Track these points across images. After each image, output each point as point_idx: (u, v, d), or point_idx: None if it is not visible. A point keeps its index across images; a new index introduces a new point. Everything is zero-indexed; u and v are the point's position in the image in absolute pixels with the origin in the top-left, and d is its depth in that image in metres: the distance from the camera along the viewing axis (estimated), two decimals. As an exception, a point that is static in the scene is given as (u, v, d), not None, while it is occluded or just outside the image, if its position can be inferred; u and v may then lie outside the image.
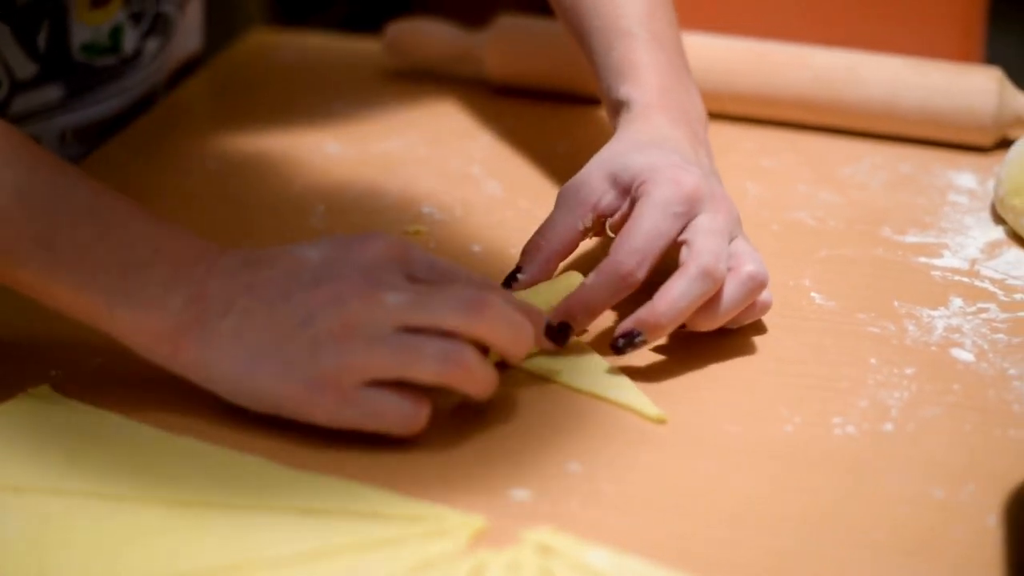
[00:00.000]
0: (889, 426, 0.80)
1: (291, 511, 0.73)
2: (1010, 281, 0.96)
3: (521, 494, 0.74)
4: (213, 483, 0.75)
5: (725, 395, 0.83)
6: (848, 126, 1.16)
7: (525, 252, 0.88)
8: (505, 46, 1.21)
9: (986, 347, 0.88)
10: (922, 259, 0.98)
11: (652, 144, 0.89)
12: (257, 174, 1.09)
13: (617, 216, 0.88)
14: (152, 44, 1.13)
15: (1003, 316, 0.91)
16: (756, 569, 0.70)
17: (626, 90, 0.94)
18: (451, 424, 0.79)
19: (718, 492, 0.75)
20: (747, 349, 0.87)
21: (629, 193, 0.87)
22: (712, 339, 0.86)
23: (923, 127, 1.14)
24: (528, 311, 0.80)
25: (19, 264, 0.77)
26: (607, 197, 0.88)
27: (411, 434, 0.76)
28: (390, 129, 1.17)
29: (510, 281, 0.87)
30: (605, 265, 0.83)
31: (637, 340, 0.82)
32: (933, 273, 0.97)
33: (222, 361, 0.76)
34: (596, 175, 0.89)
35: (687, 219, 0.84)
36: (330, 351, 0.74)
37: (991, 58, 1.77)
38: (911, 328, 0.90)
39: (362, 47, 1.31)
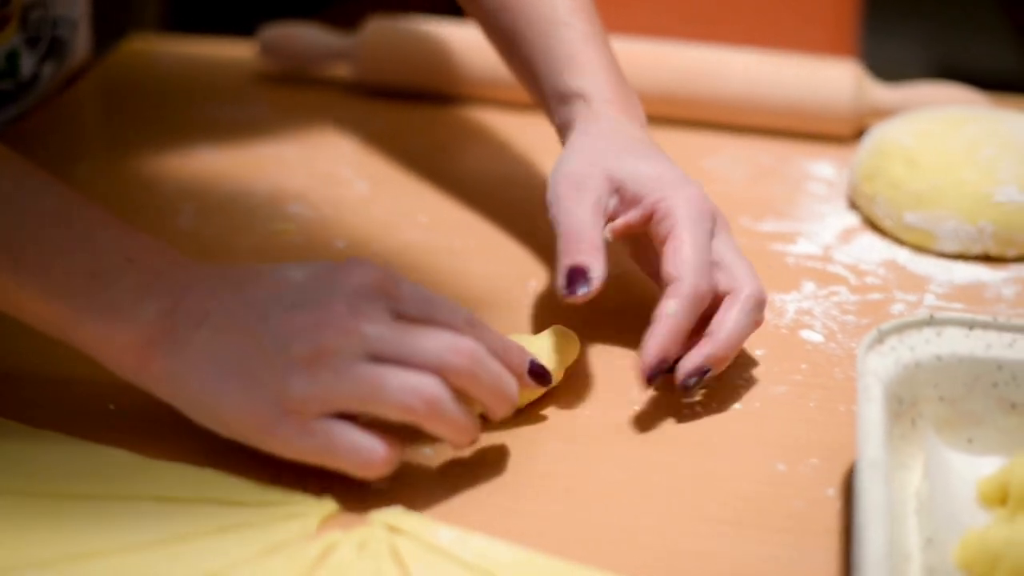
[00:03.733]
0: (737, 405, 0.83)
1: (146, 500, 0.74)
2: (862, 265, 0.98)
3: (377, 482, 0.75)
4: (69, 474, 0.75)
5: (577, 380, 0.85)
6: (711, 120, 1.18)
7: (569, 252, 0.82)
8: (376, 49, 1.23)
9: (835, 328, 0.90)
10: (778, 246, 1.01)
11: (640, 149, 0.87)
12: (128, 177, 1.10)
13: (620, 223, 0.85)
14: (48, 68, 1.13)
15: (853, 299, 0.94)
16: (602, 544, 0.72)
17: (579, 83, 0.92)
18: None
19: (566, 472, 0.77)
20: (596, 338, 0.88)
21: (637, 203, 0.84)
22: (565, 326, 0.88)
23: (783, 119, 1.17)
24: (514, 353, 0.77)
25: None
26: (611, 202, 0.85)
27: (370, 476, 0.72)
28: (262, 131, 1.18)
29: (577, 285, 0.81)
30: (682, 289, 0.80)
31: (707, 376, 0.81)
32: (787, 259, 0.99)
33: (189, 376, 0.73)
34: (596, 173, 0.85)
35: (712, 238, 0.84)
36: (300, 378, 0.71)
37: (873, 53, 1.81)
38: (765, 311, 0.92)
39: (237, 51, 1.32)
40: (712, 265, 0.82)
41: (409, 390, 0.71)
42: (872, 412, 0.70)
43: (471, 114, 1.21)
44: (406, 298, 0.74)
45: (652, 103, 1.18)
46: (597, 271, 0.81)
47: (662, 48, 1.21)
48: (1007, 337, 0.77)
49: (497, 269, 0.97)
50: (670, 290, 0.80)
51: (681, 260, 0.81)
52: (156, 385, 0.74)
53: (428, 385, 0.71)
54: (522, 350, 0.77)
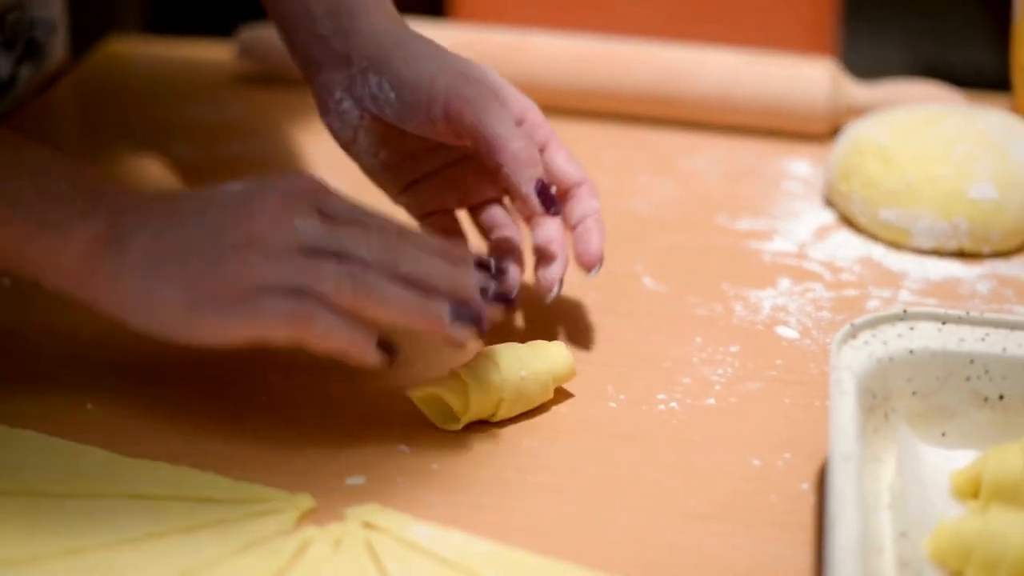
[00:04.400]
0: (712, 400, 0.83)
1: (123, 497, 0.74)
2: (837, 262, 0.99)
3: (354, 478, 0.76)
4: (46, 472, 0.75)
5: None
6: (688, 119, 1.19)
7: (529, 169, 0.82)
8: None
9: (810, 324, 0.91)
10: (753, 244, 1.01)
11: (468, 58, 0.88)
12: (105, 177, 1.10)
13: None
14: (26, 70, 1.13)
15: (828, 295, 0.94)
16: (578, 540, 0.72)
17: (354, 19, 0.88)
18: (286, 411, 0.81)
19: (542, 468, 0.77)
20: (575, 331, 0.89)
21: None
22: (538, 322, 0.89)
23: (760, 118, 1.17)
24: (451, 250, 0.76)
25: None
26: None
27: (298, 339, 0.72)
28: (240, 132, 1.18)
29: (552, 203, 0.82)
30: (590, 188, 0.87)
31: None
32: (763, 257, 1.00)
33: (127, 277, 0.74)
34: (482, 84, 0.84)
35: None
36: (230, 262, 0.72)
37: (853, 53, 1.82)
38: (739, 308, 0.92)
39: (216, 52, 1.32)
40: None
41: (339, 276, 0.72)
42: (844, 406, 0.71)
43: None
44: (337, 202, 0.75)
45: (630, 102, 1.19)
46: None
47: (640, 48, 1.21)
48: (979, 331, 0.78)
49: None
50: (584, 191, 0.85)
51: (573, 164, 0.86)
52: (99, 295, 0.75)
53: (362, 274, 0.72)
54: (466, 251, 0.79)
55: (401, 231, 0.76)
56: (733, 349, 0.88)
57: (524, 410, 0.80)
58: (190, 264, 0.73)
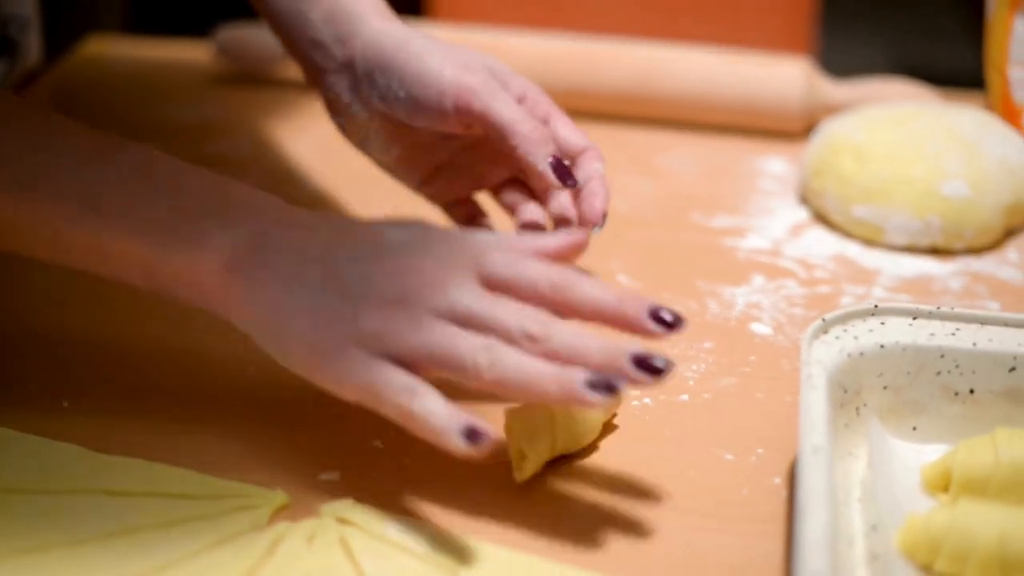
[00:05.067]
0: (685, 396, 0.83)
1: (97, 493, 0.74)
2: (811, 259, 0.99)
3: (328, 474, 0.76)
4: (20, 469, 0.76)
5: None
6: (663, 117, 1.19)
7: (541, 145, 0.83)
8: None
9: (783, 321, 0.91)
10: (728, 241, 1.02)
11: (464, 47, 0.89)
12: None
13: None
14: (0, 67, 1.13)
15: (802, 292, 0.95)
16: (551, 533, 0.72)
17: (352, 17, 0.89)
18: (260, 407, 0.82)
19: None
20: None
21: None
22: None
23: (735, 116, 1.18)
24: (624, 298, 0.72)
25: (68, 222, 0.74)
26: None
27: (402, 410, 0.70)
28: (217, 131, 1.18)
29: (568, 176, 0.84)
30: (596, 152, 0.89)
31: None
32: (738, 254, 1.00)
33: (264, 299, 0.72)
34: (483, 71, 0.86)
35: None
36: (375, 315, 0.70)
37: (833, 52, 1.82)
38: (713, 305, 0.93)
39: (194, 52, 1.32)
40: None
41: (484, 349, 0.69)
42: (815, 400, 0.71)
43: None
44: (500, 263, 0.72)
45: (607, 101, 1.19)
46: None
47: (616, 47, 1.22)
48: (950, 326, 0.78)
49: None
50: (589, 155, 0.87)
51: (577, 132, 0.88)
52: (235, 310, 0.73)
53: (503, 350, 0.69)
54: (642, 299, 0.71)
55: (555, 285, 0.72)
56: (707, 345, 0.88)
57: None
58: (331, 306, 0.71)
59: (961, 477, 0.72)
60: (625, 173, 1.12)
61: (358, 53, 0.88)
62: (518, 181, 0.90)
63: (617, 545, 0.72)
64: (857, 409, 0.76)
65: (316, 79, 0.91)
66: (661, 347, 0.86)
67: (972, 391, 0.77)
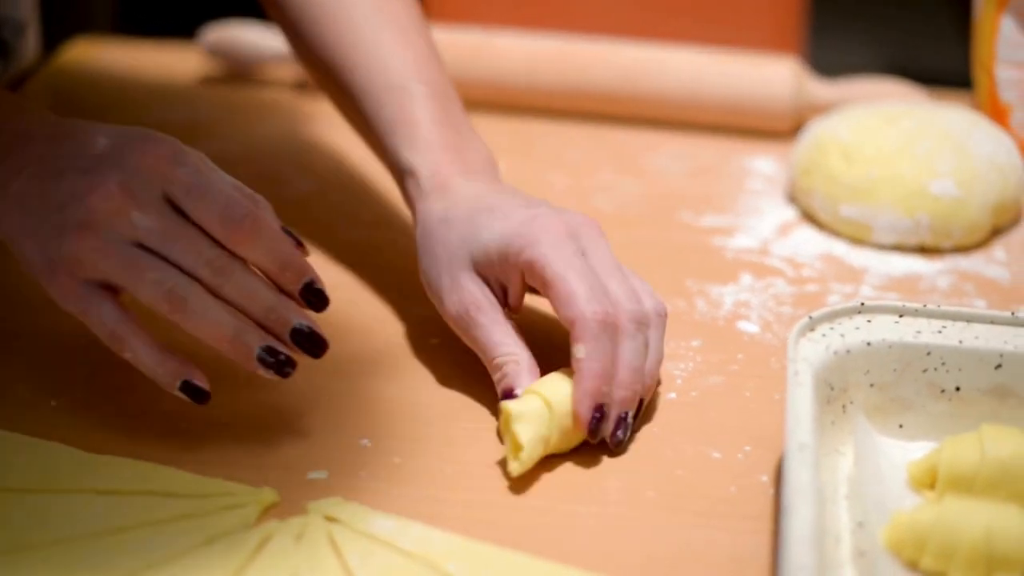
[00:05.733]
0: (673, 395, 0.84)
1: (87, 493, 0.74)
2: (799, 258, 1.00)
3: (317, 472, 0.76)
4: (9, 468, 0.76)
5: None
6: (652, 117, 1.19)
7: (507, 375, 0.80)
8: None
9: (771, 319, 0.91)
10: (716, 240, 1.02)
11: (480, 211, 0.83)
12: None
13: (513, 297, 0.83)
14: None
15: (790, 290, 0.95)
16: (539, 531, 0.73)
17: (409, 156, 0.88)
18: (249, 406, 0.82)
19: (503, 462, 0.78)
20: (534, 330, 0.89)
21: (510, 268, 0.81)
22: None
23: (724, 116, 1.18)
24: (291, 271, 0.77)
25: None
26: (487, 292, 0.82)
27: (114, 349, 0.76)
28: (206, 131, 1.18)
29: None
30: (583, 328, 0.77)
31: (630, 422, 0.78)
32: (726, 253, 1.00)
33: (6, 223, 0.76)
34: (463, 281, 0.82)
35: (584, 255, 0.81)
36: (70, 240, 0.74)
37: (823, 52, 1.82)
38: (701, 304, 0.93)
39: (183, 52, 1.32)
40: (604, 277, 0.80)
41: (157, 286, 0.74)
42: (801, 397, 0.72)
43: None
44: (181, 186, 0.75)
45: (595, 101, 1.20)
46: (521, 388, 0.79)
47: (604, 47, 1.22)
48: (936, 324, 0.78)
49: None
50: (574, 335, 0.77)
51: (567, 300, 0.78)
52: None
53: (184, 286, 0.74)
54: (301, 270, 0.77)
55: (240, 222, 0.75)
56: (695, 344, 0.89)
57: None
58: (44, 230, 0.75)
59: (947, 474, 0.73)
60: (613, 172, 1.12)
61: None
62: None
63: (605, 543, 0.72)
64: (844, 406, 0.76)
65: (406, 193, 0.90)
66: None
67: (958, 388, 0.77)
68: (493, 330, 0.81)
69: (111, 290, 0.75)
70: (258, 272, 0.76)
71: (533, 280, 0.80)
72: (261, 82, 1.28)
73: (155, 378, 0.76)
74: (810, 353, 0.76)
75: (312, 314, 0.78)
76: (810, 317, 0.77)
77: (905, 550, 0.69)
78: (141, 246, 0.74)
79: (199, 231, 0.75)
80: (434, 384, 0.84)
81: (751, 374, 0.85)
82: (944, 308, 0.79)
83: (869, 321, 0.78)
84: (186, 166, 0.76)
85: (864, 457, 0.74)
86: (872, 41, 2.87)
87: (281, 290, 0.77)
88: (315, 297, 0.78)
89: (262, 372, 0.76)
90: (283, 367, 0.76)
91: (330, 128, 1.19)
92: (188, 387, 0.76)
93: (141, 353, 0.76)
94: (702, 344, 0.88)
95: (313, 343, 0.77)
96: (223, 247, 0.75)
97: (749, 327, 0.91)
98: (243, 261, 0.76)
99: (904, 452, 0.77)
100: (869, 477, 0.73)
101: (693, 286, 0.95)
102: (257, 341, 0.75)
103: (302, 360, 0.77)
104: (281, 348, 0.76)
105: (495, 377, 0.80)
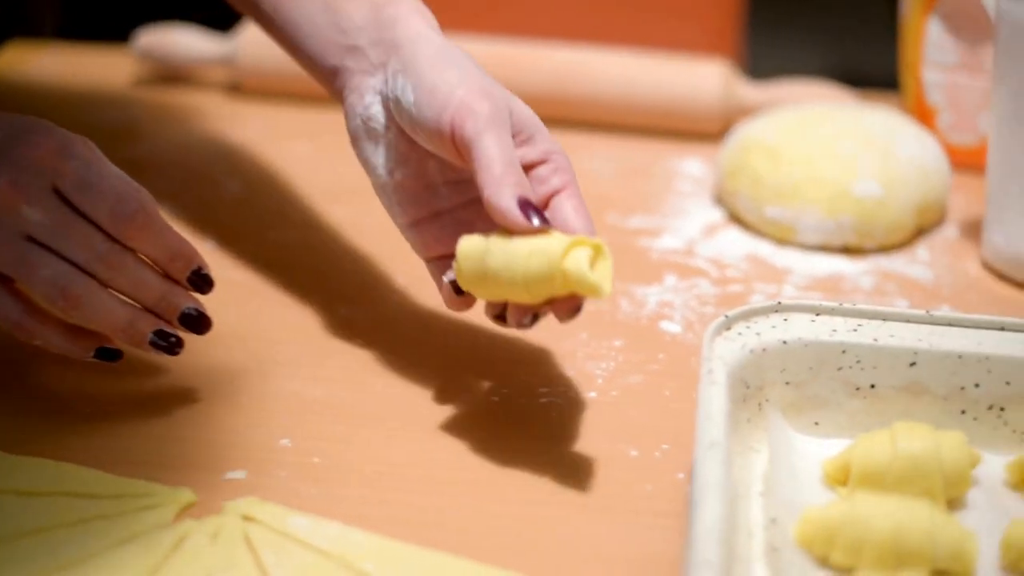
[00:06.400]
0: (593, 394, 0.84)
1: (6, 493, 0.74)
2: (724, 259, 1.00)
3: (235, 472, 0.76)
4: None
5: (436, 372, 0.86)
6: (583, 119, 1.20)
7: (513, 182, 0.74)
8: (254, 50, 1.24)
9: (694, 319, 0.92)
10: (643, 241, 1.03)
11: (495, 81, 0.80)
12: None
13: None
14: None
15: (713, 291, 0.96)
16: (457, 531, 0.73)
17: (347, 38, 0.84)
18: (169, 407, 0.82)
19: (424, 461, 0.78)
20: (456, 330, 0.90)
21: (527, 145, 0.79)
22: (421, 320, 0.90)
23: (654, 118, 1.19)
24: (178, 262, 0.79)
25: None
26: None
27: (22, 338, 0.78)
28: (138, 134, 1.18)
29: (530, 213, 0.74)
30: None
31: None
32: (651, 254, 1.01)
33: None
34: (501, 106, 0.77)
35: None
36: None
37: (763, 55, 1.83)
38: (625, 304, 0.94)
39: (117, 55, 1.32)
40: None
41: (51, 283, 0.76)
42: (714, 395, 0.72)
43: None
44: (71, 180, 0.76)
45: (527, 103, 1.20)
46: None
47: (536, 50, 1.22)
48: (852, 322, 0.79)
49: (369, 266, 0.98)
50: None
51: (583, 217, 0.77)
52: None
53: (76, 283, 0.76)
54: (190, 259, 0.79)
55: (130, 218, 0.77)
56: (617, 344, 0.89)
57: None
58: None
59: (859, 470, 0.73)
60: (543, 174, 1.12)
61: (393, 55, 0.81)
62: None
63: (522, 541, 0.72)
64: (759, 404, 0.77)
65: (338, 81, 0.84)
66: (578, 343, 0.87)
67: (873, 386, 0.78)
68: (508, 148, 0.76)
69: (6, 279, 0.77)
70: (146, 260, 0.78)
71: (549, 175, 0.79)
72: (193, 84, 1.28)
73: (68, 354, 0.79)
74: (725, 352, 0.76)
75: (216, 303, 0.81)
76: (726, 316, 0.78)
77: (816, 545, 0.69)
78: (32, 239, 0.75)
79: (89, 224, 0.76)
80: (357, 385, 0.84)
81: (671, 373, 0.86)
82: (860, 307, 0.79)
83: (785, 320, 0.79)
84: (75, 158, 0.77)
85: (779, 454, 0.75)
86: (810, 43, 2.89)
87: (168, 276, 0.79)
88: (202, 281, 0.80)
89: (153, 352, 0.79)
90: (174, 348, 0.79)
91: (261, 130, 1.19)
92: (102, 352, 0.79)
93: (52, 339, 0.78)
94: (624, 344, 0.89)
95: (200, 324, 0.80)
96: (113, 239, 0.77)
97: (671, 327, 0.91)
98: (133, 252, 0.78)
99: (820, 449, 0.77)
100: (783, 474, 0.74)
101: (617, 287, 0.96)
102: (149, 327, 0.78)
103: (227, 361, 0.80)
104: (171, 330, 0.79)
105: None
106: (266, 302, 0.92)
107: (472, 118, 0.75)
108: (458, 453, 0.79)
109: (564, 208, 0.77)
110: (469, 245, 0.76)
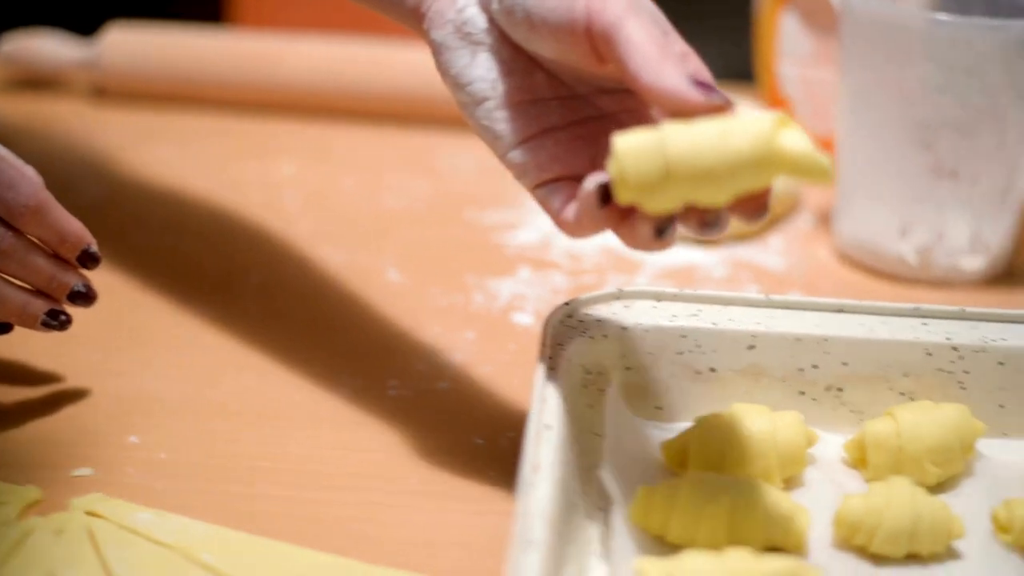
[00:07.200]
0: (444, 384, 0.85)
1: None
2: (578, 252, 1.02)
3: (82, 470, 0.77)
4: None
5: (287, 366, 0.87)
6: (443, 117, 1.21)
7: (666, 62, 0.64)
8: (118, 53, 1.24)
9: (545, 310, 0.93)
10: (498, 236, 1.04)
11: None
12: None
13: None
14: None
15: (567, 282, 0.97)
16: (300, 521, 0.74)
17: None
18: (14, 403, 0.82)
19: (270, 455, 0.79)
20: (309, 323, 0.91)
21: None
22: (273, 315, 0.91)
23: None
24: (67, 244, 0.80)
25: None
26: None
27: None
28: (3, 138, 1.18)
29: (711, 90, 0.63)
30: None
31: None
32: (507, 249, 1.02)
33: None
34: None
35: None
36: None
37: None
38: (478, 298, 0.95)
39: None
40: None
41: None
42: (549, 379, 0.73)
43: (213, 120, 1.23)
44: None
45: (387, 103, 1.21)
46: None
47: (395, 51, 1.23)
48: (692, 307, 0.80)
49: (226, 263, 0.98)
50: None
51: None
52: None
53: None
54: (79, 239, 0.80)
55: (24, 214, 0.78)
56: (469, 336, 0.90)
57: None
58: None
59: (697, 452, 0.74)
60: (402, 173, 1.14)
61: None
62: None
63: (363, 528, 0.73)
64: (601, 390, 0.78)
65: None
66: (430, 336, 0.88)
67: (713, 369, 0.79)
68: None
69: None
70: (36, 242, 0.79)
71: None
72: (57, 90, 1.27)
73: (10, 314, 0.79)
74: (565, 338, 0.77)
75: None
76: (567, 303, 0.79)
77: (653, 524, 0.70)
78: None
79: None
80: (206, 380, 0.85)
81: (521, 363, 0.87)
82: (700, 292, 0.81)
83: (627, 307, 0.80)
84: None
85: (620, 439, 0.76)
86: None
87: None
88: (90, 259, 0.81)
89: (44, 330, 0.80)
90: (64, 325, 0.80)
91: (122, 135, 1.19)
92: (54, 313, 0.80)
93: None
94: (475, 336, 0.90)
95: (88, 299, 0.81)
96: (4, 224, 0.78)
97: (523, 318, 0.92)
98: (24, 237, 0.79)
99: (662, 433, 0.79)
100: (624, 458, 0.75)
101: (472, 281, 0.97)
102: (41, 309, 0.79)
103: (80, 360, 0.83)
104: (61, 308, 0.80)
105: None
106: (125, 303, 0.92)
107: (611, 2, 0.65)
108: (306, 445, 0.79)
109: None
110: (634, 139, 0.62)
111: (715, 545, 0.69)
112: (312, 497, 0.75)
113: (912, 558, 0.71)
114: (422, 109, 1.21)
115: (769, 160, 0.61)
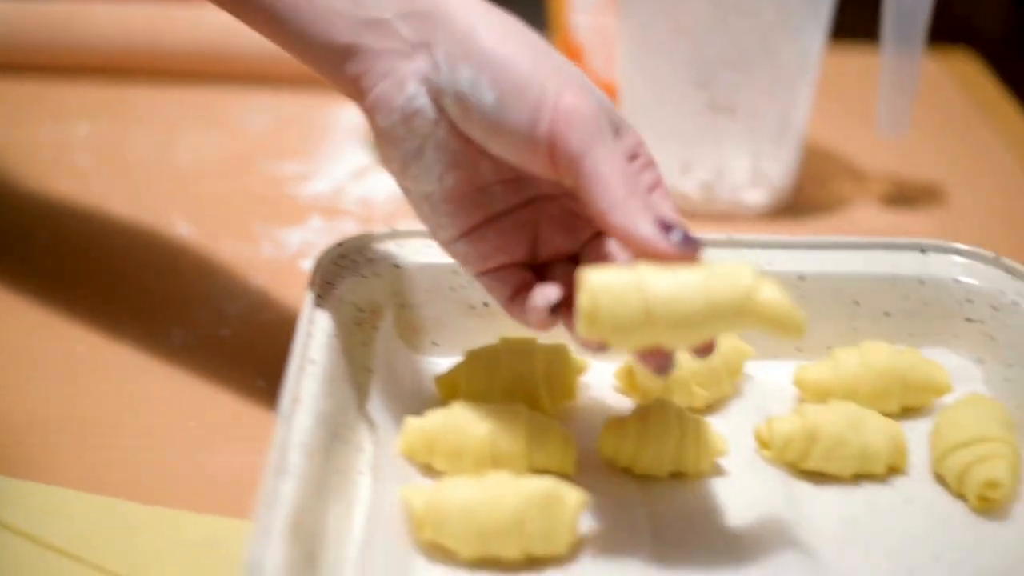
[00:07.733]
0: (226, 330, 0.86)
1: None
2: (370, 200, 1.03)
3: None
4: None
5: (70, 318, 0.87)
6: (238, 73, 1.21)
7: (636, 207, 0.64)
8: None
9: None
10: (291, 187, 1.05)
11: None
12: None
13: None
14: None
15: (358, 230, 0.98)
16: (83, 467, 0.74)
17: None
18: None
19: (55, 402, 0.80)
20: (93, 275, 0.91)
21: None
22: (61, 270, 0.92)
23: (306, 70, 1.20)
24: None
25: None
26: None
27: None
28: None
29: (674, 231, 0.63)
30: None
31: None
32: (299, 199, 1.03)
33: None
34: (598, 111, 0.65)
35: None
36: None
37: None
38: (267, 247, 0.96)
39: None
40: None
41: None
42: (316, 316, 0.74)
43: (5, 83, 1.22)
44: None
45: (183, 61, 1.21)
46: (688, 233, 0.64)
47: (193, 11, 1.23)
48: (465, 245, 0.82)
49: (19, 224, 0.98)
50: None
51: (675, 212, 0.67)
52: None
53: None
54: None
55: None
56: (255, 283, 0.91)
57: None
58: None
59: (467, 385, 0.76)
60: (197, 130, 1.14)
61: (442, 32, 0.66)
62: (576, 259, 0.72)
63: (146, 471, 0.74)
64: (376, 328, 0.79)
65: (355, 65, 0.69)
66: (216, 286, 0.89)
67: (486, 304, 0.81)
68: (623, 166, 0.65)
69: None
70: None
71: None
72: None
73: None
74: (336, 277, 0.78)
75: None
76: (339, 244, 0.80)
77: (418, 454, 0.72)
78: None
79: None
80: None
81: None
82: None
83: (400, 246, 0.81)
84: None
85: (395, 373, 0.77)
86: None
87: None
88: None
89: None
90: None
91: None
92: None
93: None
94: (263, 284, 0.91)
95: None
96: None
97: (311, 265, 0.93)
98: None
99: (436, 367, 0.80)
100: (400, 392, 0.76)
101: (261, 231, 0.98)
102: None
103: None
104: None
105: None
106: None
107: (578, 127, 0.63)
108: (89, 393, 0.80)
109: (660, 210, 0.66)
110: (609, 279, 0.63)
111: (480, 472, 0.70)
112: (98, 443, 0.76)
113: (678, 476, 0.73)
114: (216, 65, 1.21)
115: (748, 313, 0.62)
